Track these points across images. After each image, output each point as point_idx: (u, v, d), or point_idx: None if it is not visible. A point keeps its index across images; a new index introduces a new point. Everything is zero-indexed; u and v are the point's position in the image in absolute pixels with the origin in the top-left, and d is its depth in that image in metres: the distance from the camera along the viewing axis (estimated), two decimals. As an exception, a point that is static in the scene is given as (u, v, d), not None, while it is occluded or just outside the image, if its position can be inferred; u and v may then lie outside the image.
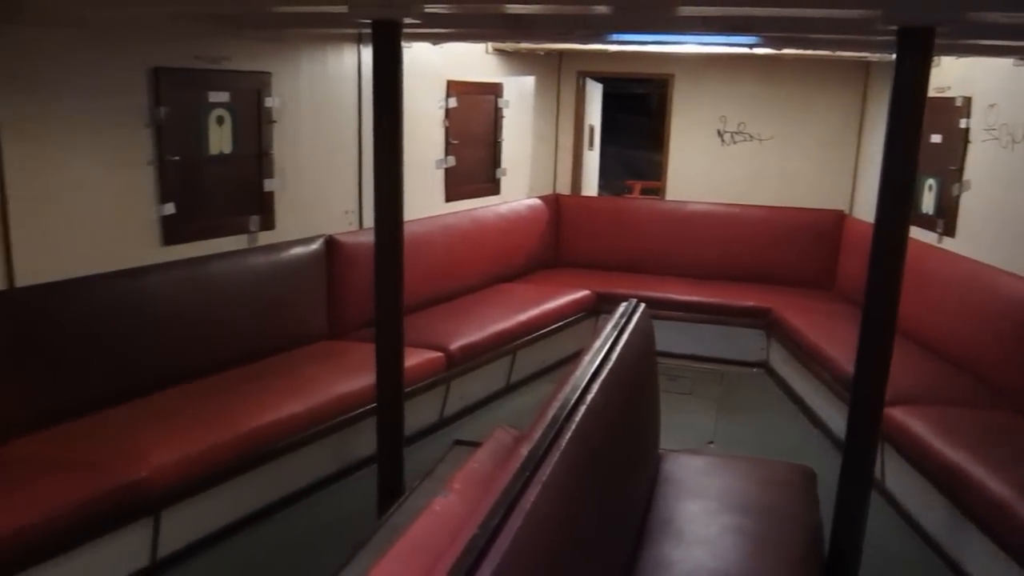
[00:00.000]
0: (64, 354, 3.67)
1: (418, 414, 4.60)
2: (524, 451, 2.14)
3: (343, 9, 3.00)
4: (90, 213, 3.82)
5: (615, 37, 4.97)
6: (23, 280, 3.55)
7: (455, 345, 4.99)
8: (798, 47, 5.31)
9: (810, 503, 3.24)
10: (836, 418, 4.81)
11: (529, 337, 5.70)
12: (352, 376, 4.29)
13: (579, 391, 2.51)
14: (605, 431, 2.58)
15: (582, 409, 2.41)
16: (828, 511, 3.21)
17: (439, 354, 4.86)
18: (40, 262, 3.61)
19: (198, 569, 3.61)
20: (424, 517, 2.14)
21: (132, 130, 3.95)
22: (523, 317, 5.73)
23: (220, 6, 3.45)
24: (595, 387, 2.58)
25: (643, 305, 3.58)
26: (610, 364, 2.80)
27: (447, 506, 2.18)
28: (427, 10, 3.05)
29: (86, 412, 3.68)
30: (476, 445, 3.45)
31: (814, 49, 5.55)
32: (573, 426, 2.30)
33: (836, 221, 6.82)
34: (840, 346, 4.87)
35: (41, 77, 3.57)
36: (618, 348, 2.97)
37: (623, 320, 3.32)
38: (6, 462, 3.31)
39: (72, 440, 3.48)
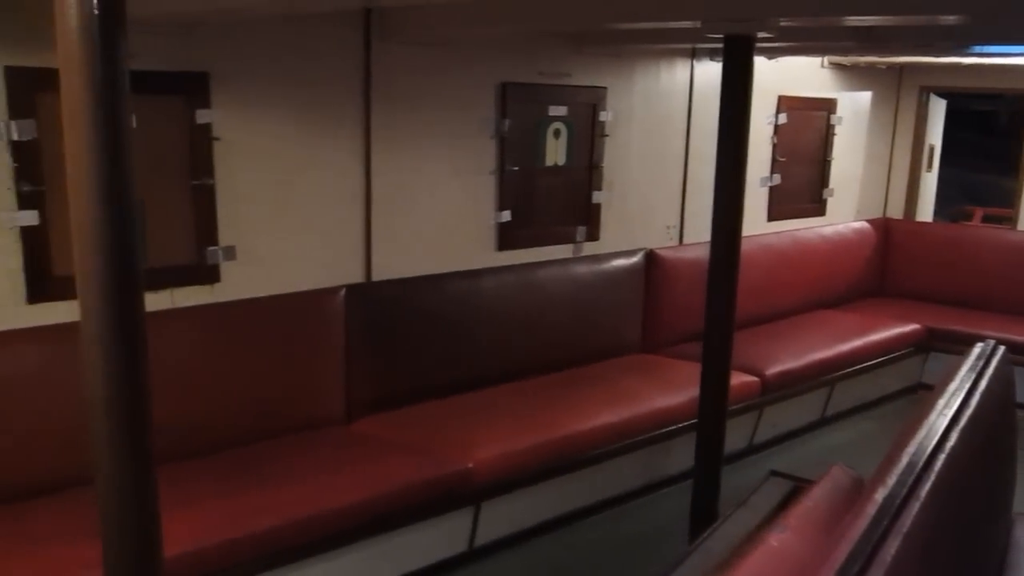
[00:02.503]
0: (407, 344, 4.00)
1: (728, 438, 4.46)
2: (878, 497, 1.98)
3: (695, 24, 2.98)
4: (437, 217, 4.13)
5: (979, 49, 4.51)
6: (378, 274, 3.92)
7: (772, 370, 4.80)
8: None
9: None
10: None
11: (849, 369, 5.34)
12: (666, 392, 4.27)
13: (936, 437, 2.29)
14: (963, 485, 2.33)
15: (941, 457, 2.18)
16: None
17: (754, 378, 4.69)
18: (393, 259, 3.96)
19: (508, 561, 3.75)
20: (759, 551, 2.04)
21: (479, 141, 4.22)
22: (844, 347, 5.37)
23: (572, 23, 3.58)
24: (954, 435, 2.33)
25: (1003, 348, 3.20)
26: (969, 411, 2.52)
27: (785, 544, 2.08)
28: (783, 23, 2.94)
29: (421, 399, 3.98)
30: (795, 478, 3.28)
31: None
32: (933, 475, 2.09)
33: None
34: None
35: (405, 91, 3.91)
36: (976, 394, 2.67)
37: (980, 363, 2.98)
38: (354, 439, 3.66)
39: (409, 425, 3.77)
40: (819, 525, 2.17)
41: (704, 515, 3.43)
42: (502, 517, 3.72)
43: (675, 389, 4.25)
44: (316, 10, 3.33)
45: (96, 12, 1.44)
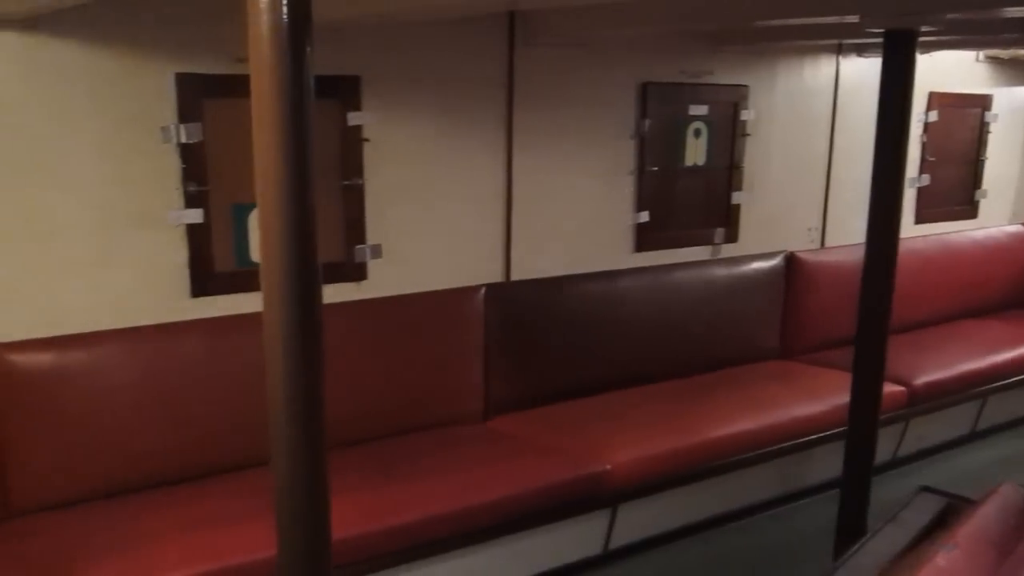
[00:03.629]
0: (544, 344, 4.01)
1: (872, 449, 4.30)
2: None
3: (855, 19, 2.87)
4: (575, 217, 4.13)
5: None
6: (517, 274, 3.95)
7: (920, 381, 4.58)
8: None
9: None
10: None
11: (1003, 383, 5.03)
12: (808, 399, 4.14)
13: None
14: None
15: None
16: None
17: (901, 388, 4.49)
18: (531, 258, 3.99)
19: (642, 566, 3.71)
20: (925, 571, 1.95)
21: (619, 141, 4.20)
22: (997, 359, 5.07)
23: (724, 21, 3.51)
24: None
25: None
26: None
27: (954, 563, 1.97)
28: (950, 17, 2.80)
29: (558, 399, 3.98)
30: (949, 495, 3.12)
31: None
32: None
33: None
34: None
35: (546, 92, 3.93)
36: None
37: None
38: (491, 437, 3.70)
39: (545, 424, 3.78)
40: (992, 545, 2.05)
41: (851, 529, 3.31)
42: (638, 521, 3.68)
43: (817, 397, 4.12)
44: (464, 14, 3.38)
45: (285, 20, 1.50)
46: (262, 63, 1.49)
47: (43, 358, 2.93)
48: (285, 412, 1.59)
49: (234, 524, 2.75)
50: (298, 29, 1.48)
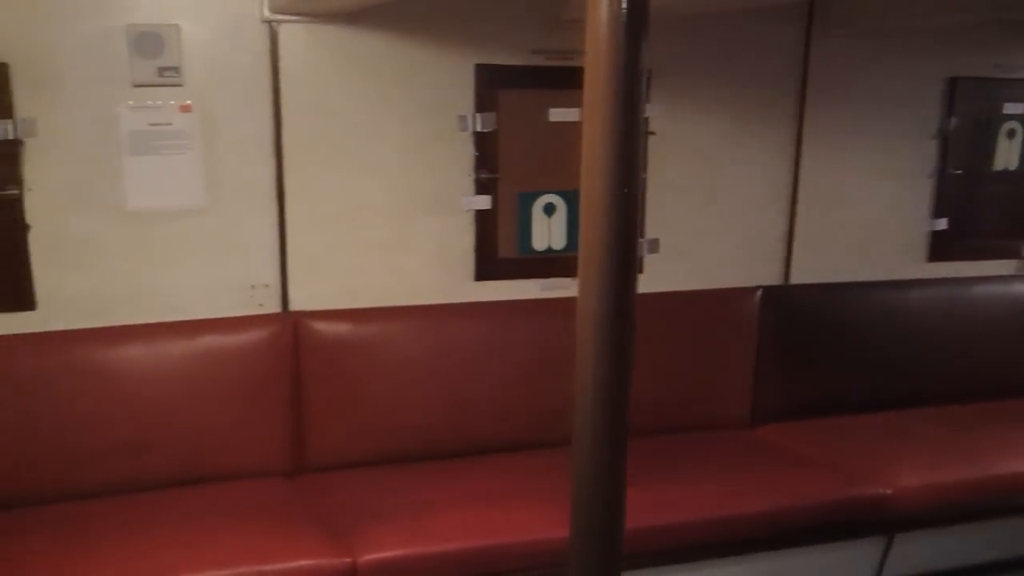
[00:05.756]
0: (820, 353, 3.79)
1: None
2: None
3: None
4: (862, 220, 3.87)
5: None
6: (796, 277, 3.77)
7: None
8: None
9: None
10: None
11: None
12: None
13: None
14: None
15: None
16: None
17: None
18: (812, 262, 3.79)
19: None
20: None
21: (916, 141, 3.87)
22: None
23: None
24: None
25: None
26: None
27: None
28: None
29: (831, 412, 3.75)
30: None
31: None
32: None
33: None
34: None
35: (840, 87, 3.70)
36: None
37: None
38: (757, 445, 3.55)
39: (817, 438, 3.57)
40: None
41: None
42: (915, 554, 3.39)
43: None
44: (764, 4, 3.25)
45: (624, 10, 1.49)
46: (598, 53, 1.49)
47: (341, 327, 3.16)
48: (592, 397, 1.58)
49: (508, 502, 2.84)
50: (636, 20, 1.47)
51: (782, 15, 3.52)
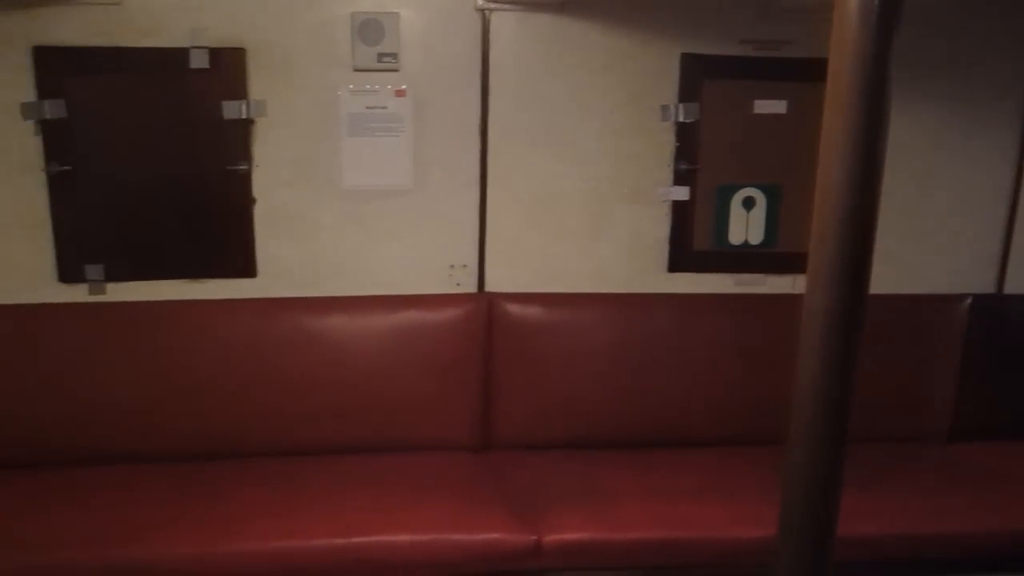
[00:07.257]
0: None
1: None
2: None
3: None
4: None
5: None
6: (1012, 287, 3.52)
7: None
8: None
9: None
10: None
11: None
12: None
13: None
14: None
15: None
16: None
17: None
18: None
19: None
20: None
21: None
22: None
23: None
24: None
25: None
26: None
27: None
28: None
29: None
30: None
31: None
32: None
33: None
34: None
35: None
36: None
37: None
38: (956, 463, 3.34)
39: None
40: None
41: None
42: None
43: None
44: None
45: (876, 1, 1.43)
46: (845, 42, 1.44)
47: (533, 311, 3.23)
48: (814, 396, 1.55)
49: (691, 497, 2.82)
50: (888, 9, 1.42)
51: (1020, 7, 3.27)
